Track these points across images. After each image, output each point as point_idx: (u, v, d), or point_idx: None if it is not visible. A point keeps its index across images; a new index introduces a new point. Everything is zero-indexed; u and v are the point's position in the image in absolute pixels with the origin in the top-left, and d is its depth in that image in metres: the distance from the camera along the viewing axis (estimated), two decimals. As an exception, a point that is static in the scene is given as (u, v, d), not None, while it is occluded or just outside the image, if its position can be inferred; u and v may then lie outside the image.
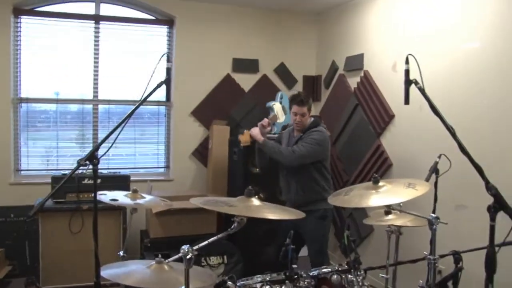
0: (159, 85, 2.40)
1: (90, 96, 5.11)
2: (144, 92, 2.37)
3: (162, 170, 5.45)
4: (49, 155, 5.06)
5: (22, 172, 4.95)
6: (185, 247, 1.88)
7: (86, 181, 4.22)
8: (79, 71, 5.05)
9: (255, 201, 2.10)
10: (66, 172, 4.44)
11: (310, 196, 3.59)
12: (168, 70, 2.47)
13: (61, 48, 4.95)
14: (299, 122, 3.63)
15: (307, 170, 3.58)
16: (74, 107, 5.14)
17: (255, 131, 3.73)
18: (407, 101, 2.25)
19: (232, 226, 2.03)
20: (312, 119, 3.74)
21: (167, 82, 2.43)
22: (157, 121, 5.38)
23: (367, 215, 4.37)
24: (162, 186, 5.09)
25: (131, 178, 4.54)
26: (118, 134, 2.28)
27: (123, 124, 2.29)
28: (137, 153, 5.34)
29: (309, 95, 3.81)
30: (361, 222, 4.48)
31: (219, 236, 2.05)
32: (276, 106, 3.73)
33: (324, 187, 3.60)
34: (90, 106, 5.12)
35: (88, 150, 5.04)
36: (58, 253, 4.12)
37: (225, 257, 4.31)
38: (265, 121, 3.73)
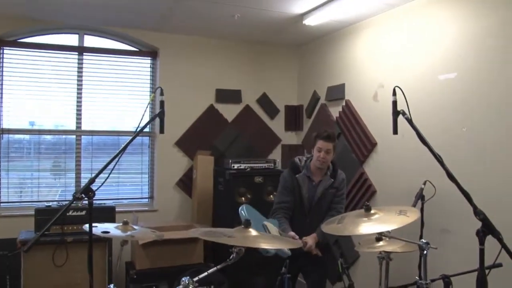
0: (153, 118, 2.44)
1: (72, 126, 5.09)
2: (139, 124, 2.41)
3: (146, 200, 5.42)
4: (29, 186, 4.98)
5: (1, 204, 4.85)
6: (185, 279, 1.89)
7: (70, 213, 4.16)
8: (62, 102, 5.04)
9: (253, 232, 2.13)
10: (50, 203, 4.36)
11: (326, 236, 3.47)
12: (162, 103, 2.50)
13: (44, 79, 4.94)
14: (323, 159, 3.44)
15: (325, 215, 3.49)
16: (53, 137, 5.10)
17: (311, 242, 3.37)
18: (395, 131, 2.33)
19: (231, 257, 2.04)
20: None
21: (161, 115, 2.48)
22: (141, 151, 5.38)
23: (353, 241, 4.43)
24: (146, 217, 5.04)
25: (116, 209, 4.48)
26: (114, 166, 2.28)
27: (118, 156, 2.30)
28: (121, 183, 5.31)
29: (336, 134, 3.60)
30: (347, 249, 4.53)
31: (219, 267, 2.07)
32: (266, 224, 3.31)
33: None
34: (73, 136, 5.09)
35: (69, 180, 5.05)
36: (41, 287, 4.01)
37: (212, 287, 4.27)
38: (292, 234, 3.36)
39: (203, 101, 5.49)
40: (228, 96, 5.59)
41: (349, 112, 4.76)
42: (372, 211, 2.33)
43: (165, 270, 4.20)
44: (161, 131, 2.53)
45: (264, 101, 5.81)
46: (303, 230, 3.44)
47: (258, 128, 5.77)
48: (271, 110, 5.86)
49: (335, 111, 5.05)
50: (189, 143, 5.38)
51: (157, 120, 2.50)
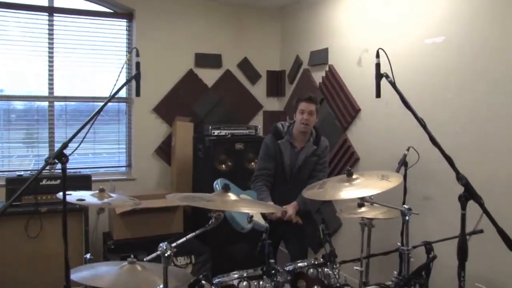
0: (129, 80, 2.40)
1: (44, 92, 4.97)
2: (113, 88, 2.34)
3: (123, 169, 5.39)
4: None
5: (-29, 175, 4.76)
6: (163, 245, 1.89)
7: (44, 182, 4.11)
8: (33, 66, 4.90)
9: (232, 196, 2.14)
10: (22, 173, 4.29)
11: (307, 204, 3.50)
12: (138, 65, 2.44)
13: (12, 41, 4.78)
14: (306, 121, 3.41)
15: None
16: (24, 105, 4.99)
17: (291, 211, 3.40)
18: (378, 95, 2.31)
19: (210, 222, 2.06)
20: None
21: (137, 77, 2.43)
22: (118, 118, 5.31)
23: (335, 209, 4.49)
24: (124, 186, 5.00)
25: (92, 178, 4.44)
26: (87, 132, 2.24)
27: (92, 121, 2.26)
28: (97, 152, 5.25)
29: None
30: (329, 216, 4.59)
31: (197, 232, 2.08)
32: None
33: None
34: (45, 103, 4.98)
35: (42, 150, 4.97)
36: (15, 260, 3.97)
37: (192, 256, 4.32)
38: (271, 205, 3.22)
39: (181, 65, 5.41)
40: (208, 60, 5.52)
41: (332, 77, 4.75)
42: (354, 176, 2.35)
43: (143, 240, 4.21)
44: (137, 94, 2.50)
45: (245, 66, 5.76)
46: (284, 198, 3.46)
47: (239, 93, 5.73)
48: (253, 75, 5.82)
49: (318, 76, 5.03)
50: (167, 109, 5.33)
51: (134, 83, 2.46)
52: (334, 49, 4.79)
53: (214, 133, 4.87)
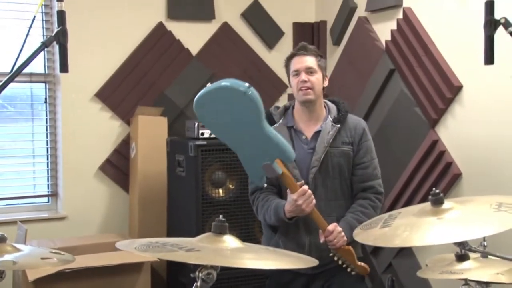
0: (47, 43, 2.39)
1: None
2: (17, 60, 2.33)
3: (43, 201, 5.46)
4: None
5: None
6: None
7: None
8: None
9: (232, 241, 2.14)
10: None
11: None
12: (61, 16, 2.45)
13: None
14: (304, 85, 3.47)
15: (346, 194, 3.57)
16: None
17: (332, 227, 3.38)
18: (488, 60, 2.33)
19: (194, 287, 2.04)
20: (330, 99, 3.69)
21: (60, 37, 2.42)
22: (30, 112, 5.37)
23: (417, 262, 4.47)
24: (45, 231, 5.05)
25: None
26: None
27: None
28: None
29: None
30: (406, 276, 4.55)
31: None
32: None
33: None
34: None
35: None
36: None
37: None
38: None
39: (144, 17, 5.47)
40: (189, 7, 5.59)
41: (410, 31, 4.74)
42: (447, 205, 2.31)
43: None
44: (63, 68, 2.50)
45: (256, 17, 5.83)
46: (305, 231, 3.50)
47: (246, 64, 5.80)
48: (270, 33, 5.90)
49: (384, 30, 5.06)
50: (120, 94, 5.39)
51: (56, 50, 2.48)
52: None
53: (203, 134, 4.88)
